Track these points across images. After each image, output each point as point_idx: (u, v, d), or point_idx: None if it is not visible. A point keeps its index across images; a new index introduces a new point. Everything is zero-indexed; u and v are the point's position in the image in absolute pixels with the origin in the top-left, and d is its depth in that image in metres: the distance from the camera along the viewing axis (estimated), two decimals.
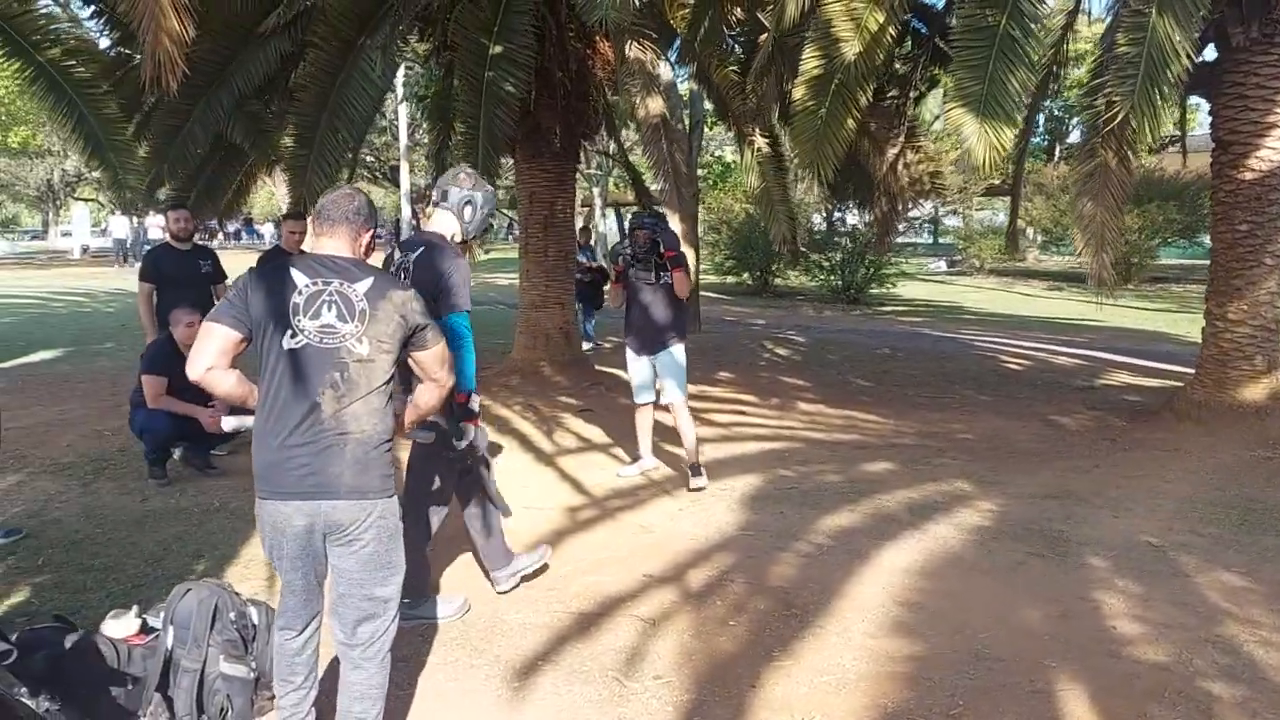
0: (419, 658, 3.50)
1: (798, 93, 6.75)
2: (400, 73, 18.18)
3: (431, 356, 2.74)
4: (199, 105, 8.33)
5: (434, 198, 3.76)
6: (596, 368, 9.93)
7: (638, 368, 6.03)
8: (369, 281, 2.62)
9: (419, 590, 3.75)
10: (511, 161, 9.51)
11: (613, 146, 14.40)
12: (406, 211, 26.17)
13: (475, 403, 3.62)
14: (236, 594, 3.19)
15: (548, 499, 5.57)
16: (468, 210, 3.73)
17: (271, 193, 30.96)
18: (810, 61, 6.65)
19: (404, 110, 24.71)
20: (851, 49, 6.17)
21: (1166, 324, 15.53)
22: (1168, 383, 9.19)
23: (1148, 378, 9.98)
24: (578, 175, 12.90)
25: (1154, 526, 5.00)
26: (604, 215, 28.66)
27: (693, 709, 3.16)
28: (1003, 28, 5.82)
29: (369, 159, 30.18)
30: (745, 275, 22.03)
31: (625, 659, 3.52)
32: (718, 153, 34.29)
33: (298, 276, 2.58)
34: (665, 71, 11.19)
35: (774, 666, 3.46)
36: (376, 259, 2.96)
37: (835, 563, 4.49)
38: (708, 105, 14.14)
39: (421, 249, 3.58)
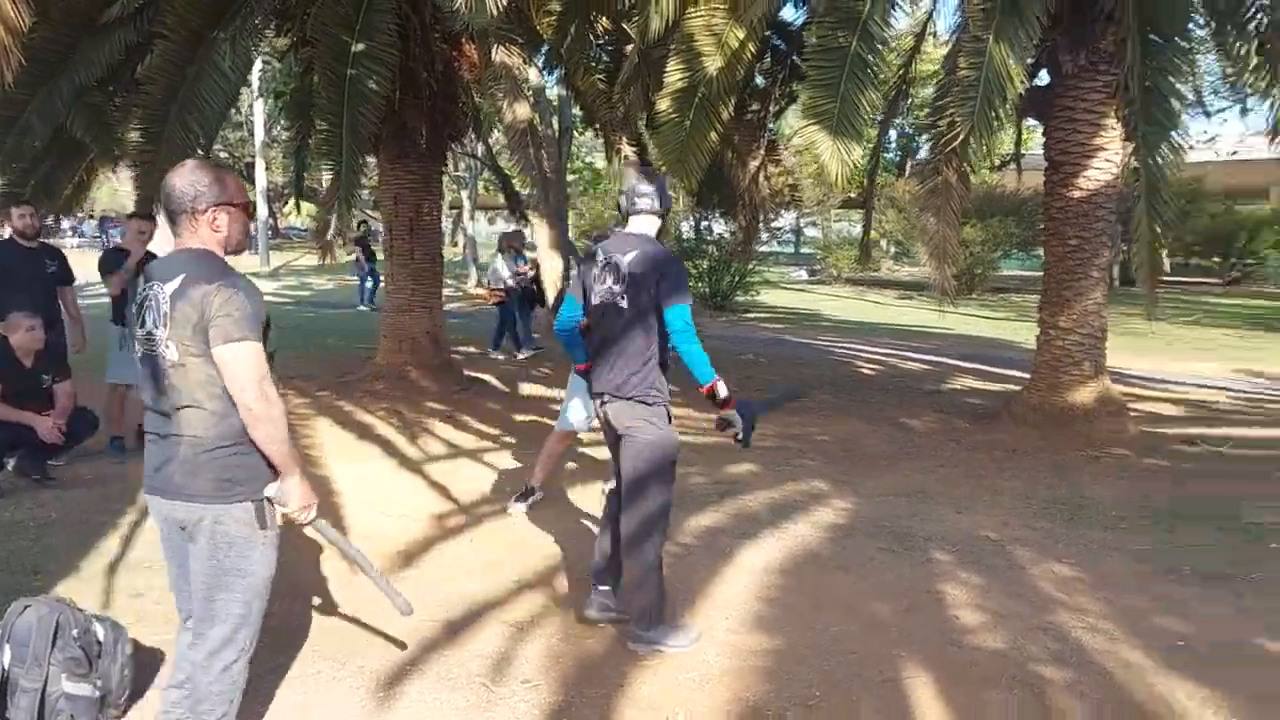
0: (280, 671, 3.40)
1: (662, 104, 6.90)
2: (257, 67, 17.53)
3: (227, 371, 2.42)
4: (38, 96, 7.86)
5: (623, 205, 3.82)
6: (466, 373, 9.83)
7: (577, 383, 5.41)
8: (177, 281, 2.47)
9: (654, 616, 3.65)
10: (375, 162, 9.34)
11: (480, 149, 14.30)
12: (263, 210, 25.20)
13: (722, 388, 3.67)
14: (80, 610, 3.04)
15: (414, 506, 5.50)
16: (666, 197, 3.86)
17: (115, 189, 29.34)
18: (674, 74, 6.81)
19: (260, 106, 23.83)
20: (713, 63, 6.35)
21: (1007, 331, 16.46)
22: (1007, 386, 9.77)
23: (989, 382, 10.59)
24: (445, 178, 12.74)
25: (993, 522, 5.33)
26: (473, 219, 28.33)
27: (560, 711, 3.20)
28: (853, 49, 6.10)
29: (223, 155, 28.96)
30: None
31: (492, 664, 3.52)
32: (588, 159, 34.44)
33: (141, 280, 2.54)
34: (534, 76, 11.21)
35: (640, 666, 3.53)
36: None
37: (700, 562, 4.61)
38: (576, 111, 14.22)
39: (635, 251, 3.67)
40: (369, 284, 19.14)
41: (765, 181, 9.41)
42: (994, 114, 5.66)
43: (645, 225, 3.78)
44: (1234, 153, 22.63)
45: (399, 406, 8.27)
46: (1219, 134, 23.13)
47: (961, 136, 5.68)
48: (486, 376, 10.15)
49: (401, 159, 9.06)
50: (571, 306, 3.86)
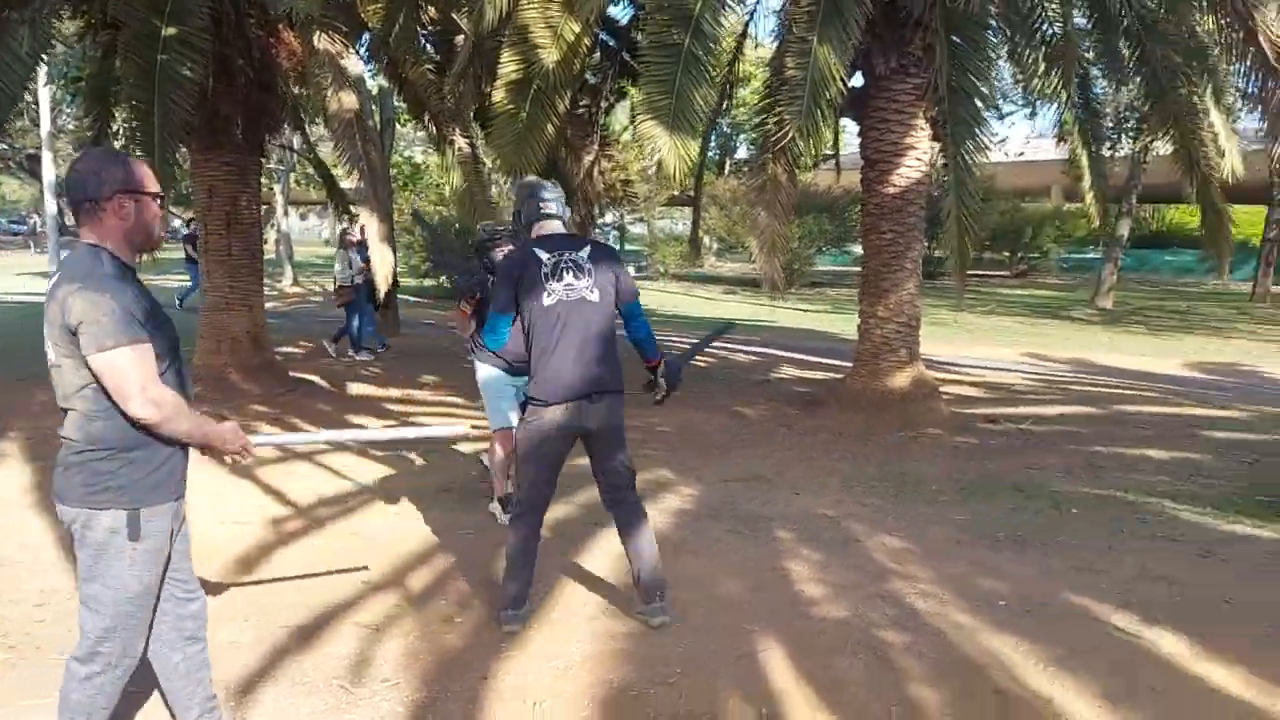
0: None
1: (498, 96, 6.85)
2: None
3: (105, 383, 2.30)
4: None
5: (527, 212, 3.79)
6: (291, 373, 9.44)
7: (504, 388, 5.12)
8: (55, 278, 2.37)
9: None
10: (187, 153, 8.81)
11: (297, 141, 13.71)
12: (51, 206, 23.20)
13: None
14: None
15: (249, 512, 5.24)
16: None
17: None
18: (509, 66, 6.78)
19: (46, 93, 21.91)
20: (550, 56, 6.36)
21: (825, 323, 17.29)
22: (830, 375, 10.26)
23: (813, 371, 11.09)
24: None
25: (827, 501, 5.60)
26: (285, 214, 27.08)
27: (425, 706, 3.15)
28: (686, 47, 6.26)
29: (1, 146, 26.48)
30: (443, 278, 21.78)
31: (349, 666, 3.43)
32: (407, 153, 33.60)
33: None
34: (354, 65, 10.85)
35: (503, 657, 3.52)
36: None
37: (554, 553, 4.63)
38: (399, 103, 13.86)
39: (585, 247, 3.72)
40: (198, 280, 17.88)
41: (600, 176, 9.50)
42: (820, 112, 5.94)
43: (561, 227, 3.81)
44: (1021, 154, 24.58)
45: (221, 410, 7.81)
46: (1008, 136, 25.08)
47: (790, 134, 5.93)
48: (312, 377, 9.78)
49: (215, 150, 8.58)
50: (508, 324, 3.70)
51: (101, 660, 2.46)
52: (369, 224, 7.26)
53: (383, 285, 7.49)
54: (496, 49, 7.04)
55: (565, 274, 3.62)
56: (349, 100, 7.43)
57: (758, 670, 3.46)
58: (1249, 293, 22.52)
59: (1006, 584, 4.30)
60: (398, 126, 19.03)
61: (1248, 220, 28.20)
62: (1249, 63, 7.28)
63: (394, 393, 9.22)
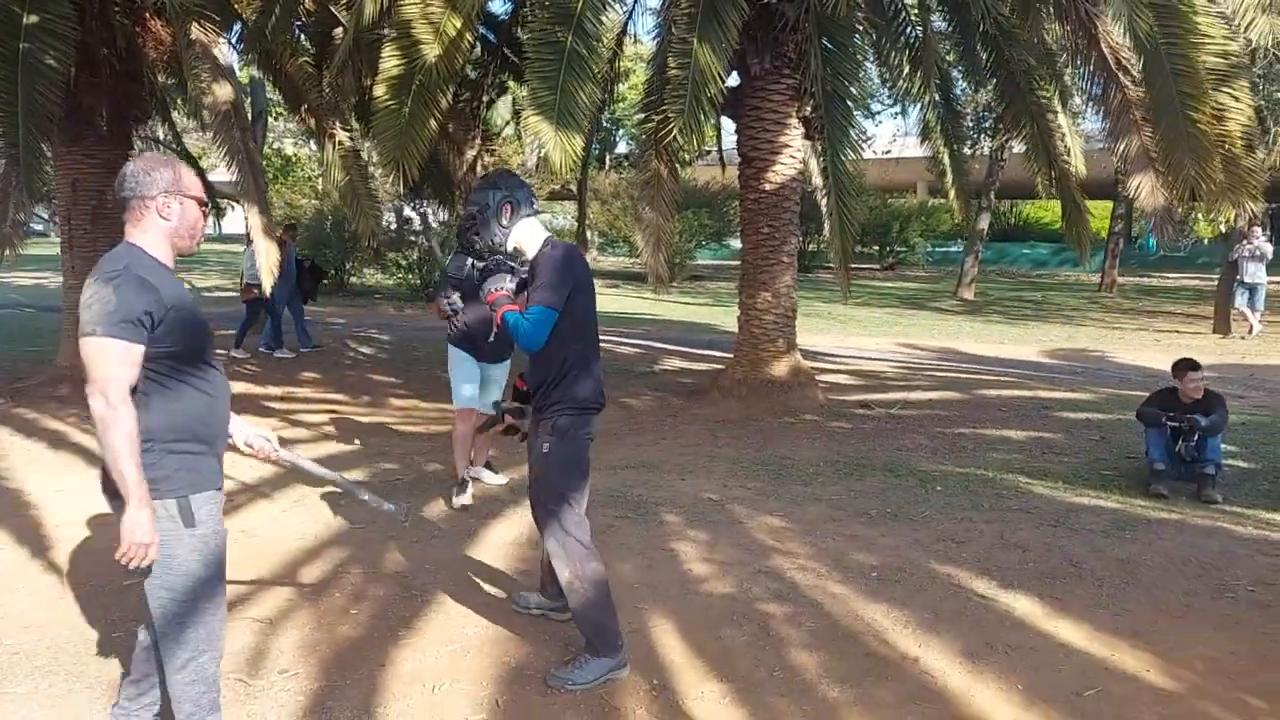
0: (8, 697, 3.12)
1: (379, 90, 6.82)
2: None
3: (84, 359, 2.34)
4: None
5: (513, 207, 3.39)
6: None
7: (471, 370, 5.37)
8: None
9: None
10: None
11: (162, 133, 13.21)
12: None
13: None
14: None
15: None
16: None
17: None
18: (391, 61, 6.75)
19: None
20: (432, 51, 6.38)
21: (705, 316, 17.65)
22: (712, 365, 10.55)
23: (696, 362, 11.38)
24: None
25: (712, 485, 5.83)
26: None
27: (325, 694, 3.20)
28: (569, 45, 6.38)
29: None
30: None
31: (246, 660, 3.43)
32: (276, 145, 32.60)
33: None
34: (224, 56, 10.55)
35: (401, 644, 3.59)
36: None
37: (448, 544, 4.70)
38: (271, 95, 13.51)
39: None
40: None
41: (482, 170, 9.52)
42: (701, 111, 6.15)
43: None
44: (888, 152, 25.56)
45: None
46: (875, 135, 26.05)
47: (673, 132, 6.12)
48: None
49: (79, 142, 8.24)
50: (555, 320, 3.30)
51: (189, 648, 2.51)
52: (250, 217, 7.11)
53: (267, 280, 7.35)
54: (377, 43, 7.00)
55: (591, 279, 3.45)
56: (224, 92, 7.26)
57: (650, 645, 3.62)
58: (1097, 283, 24.03)
59: (878, 556, 4.59)
60: (269, 119, 18.48)
61: (1095, 214, 30.10)
62: (1092, 67, 7.85)
63: (273, 390, 9.04)
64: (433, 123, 6.88)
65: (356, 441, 6.96)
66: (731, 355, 8.89)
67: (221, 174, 16.71)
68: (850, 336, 14.54)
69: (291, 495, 5.49)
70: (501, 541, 4.74)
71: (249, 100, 14.56)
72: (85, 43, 7.45)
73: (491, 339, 5.29)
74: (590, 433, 3.43)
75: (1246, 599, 4.05)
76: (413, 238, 20.46)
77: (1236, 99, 6.73)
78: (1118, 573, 4.36)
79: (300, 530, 4.89)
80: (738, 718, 3.11)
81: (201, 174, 12.03)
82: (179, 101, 11.49)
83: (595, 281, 3.64)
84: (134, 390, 2.36)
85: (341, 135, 7.73)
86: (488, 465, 5.87)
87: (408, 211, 20.75)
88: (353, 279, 21.68)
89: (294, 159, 34.20)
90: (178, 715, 2.56)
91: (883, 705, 3.17)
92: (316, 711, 3.10)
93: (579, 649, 3.38)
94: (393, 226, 20.46)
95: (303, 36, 9.48)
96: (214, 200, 12.24)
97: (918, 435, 7.37)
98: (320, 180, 33.10)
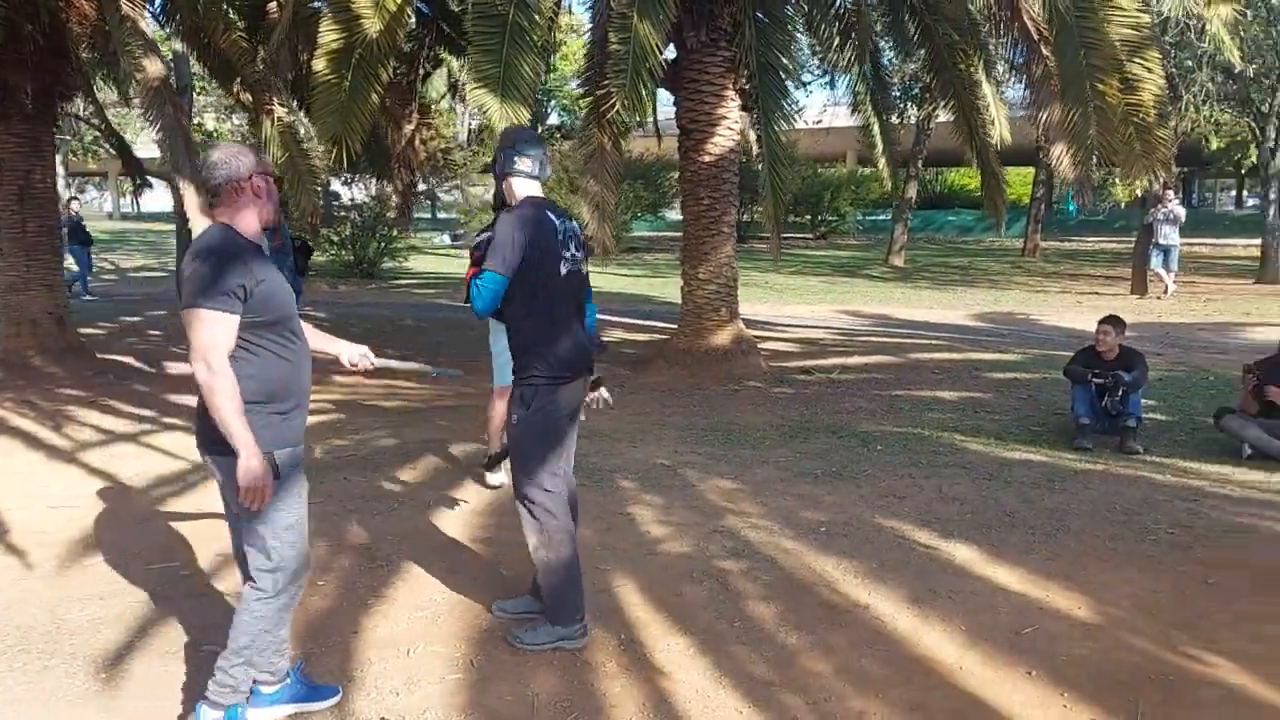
0: None
1: (319, 65, 6.76)
2: None
3: (186, 329, 2.62)
4: None
5: (529, 168, 3.36)
6: (99, 355, 8.97)
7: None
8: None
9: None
10: None
11: (86, 109, 12.80)
12: None
13: None
14: None
15: (79, 496, 5.09)
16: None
17: None
18: (330, 35, 6.70)
19: None
20: (373, 26, 6.34)
21: (645, 287, 17.80)
22: (655, 335, 10.71)
23: (640, 333, 11.51)
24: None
25: (664, 451, 5.99)
26: (69, 186, 25.04)
27: (301, 661, 3.27)
28: (511, 17, 6.41)
29: None
30: None
31: (218, 631, 3.47)
32: (198, 120, 31.72)
33: None
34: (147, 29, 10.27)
35: (372, 611, 3.68)
36: None
37: (408, 515, 4.78)
38: (197, 68, 13.17)
39: (569, 218, 3.49)
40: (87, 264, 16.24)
41: (421, 145, 9.47)
42: (642, 84, 6.25)
43: (541, 191, 3.47)
44: (819, 122, 25.88)
45: (29, 395, 7.43)
46: (806, 105, 26.38)
47: (616, 105, 6.20)
48: (124, 358, 9.35)
49: (4, 120, 8.01)
50: (504, 286, 3.25)
51: (271, 587, 2.78)
52: (186, 196, 7.01)
53: None
54: (314, 17, 6.93)
55: (570, 243, 3.38)
56: (155, 68, 7.13)
57: (615, 603, 3.77)
58: (1021, 248, 24.76)
59: (825, 513, 4.80)
60: (194, 94, 18.01)
61: (1019, 181, 30.93)
62: (1015, 37, 8.12)
63: None
64: (374, 97, 6.86)
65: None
66: (675, 325, 9.04)
67: (144, 150, 16.25)
68: (787, 305, 14.83)
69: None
70: (462, 511, 4.84)
71: (173, 75, 14.18)
72: (8, 19, 7.24)
73: None
74: (557, 403, 3.34)
75: (1166, 541, 4.35)
76: (343, 213, 20.20)
77: (1148, 70, 7.04)
78: (1048, 521, 4.63)
79: None
80: (703, 666, 3.27)
81: (127, 150, 11.75)
82: (101, 78, 11.17)
83: None
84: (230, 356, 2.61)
85: (280, 111, 7.64)
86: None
87: (336, 186, 20.47)
88: None
89: (216, 134, 33.32)
90: (230, 644, 2.80)
91: (838, 649, 3.37)
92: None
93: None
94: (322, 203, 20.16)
95: (230, 10, 9.29)
96: (140, 177, 11.95)
97: (857, 398, 7.62)
98: None
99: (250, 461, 2.58)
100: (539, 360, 3.31)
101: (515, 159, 3.34)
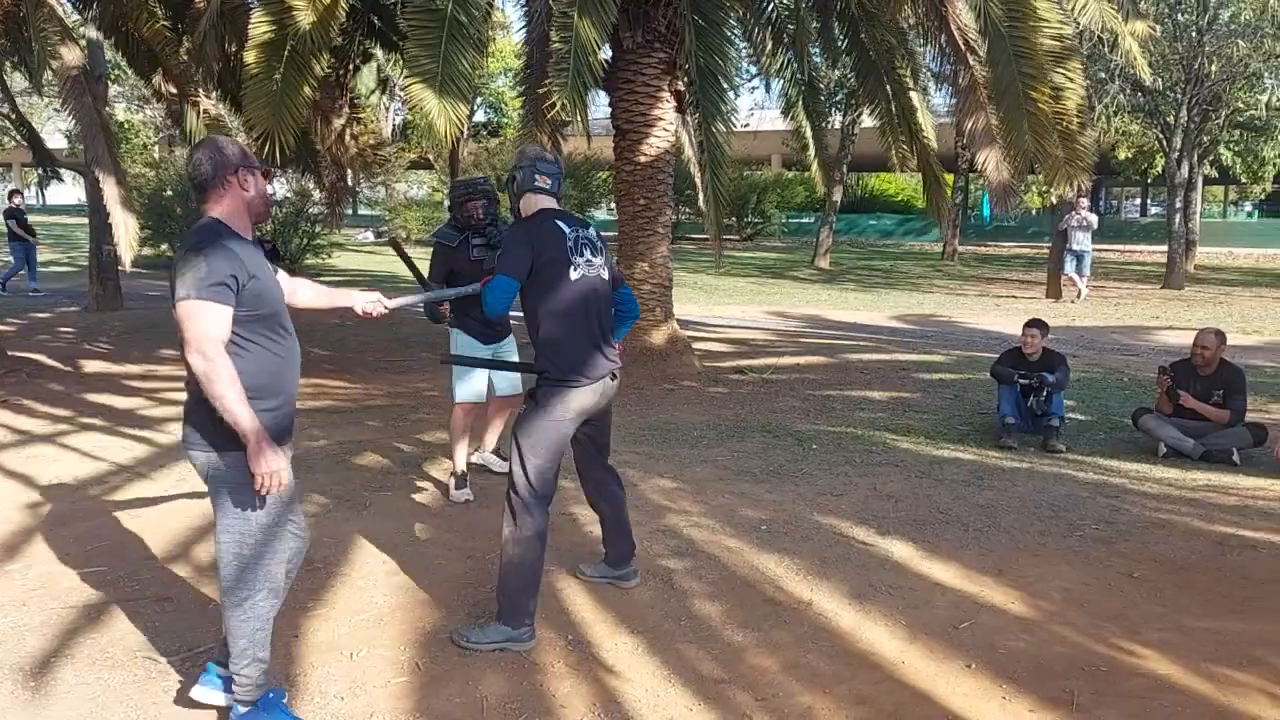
0: None
1: (249, 57, 6.59)
2: None
3: (178, 322, 2.60)
4: None
5: (543, 184, 3.58)
6: (11, 353, 8.60)
7: (479, 359, 5.06)
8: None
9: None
10: None
11: None
12: None
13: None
14: None
15: None
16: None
17: None
18: (261, 26, 6.54)
19: None
20: (306, 18, 6.22)
21: None
22: None
23: None
24: None
25: None
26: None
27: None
28: (450, 12, 6.33)
29: None
30: (165, 246, 20.20)
31: (152, 638, 3.39)
32: (108, 110, 30.62)
33: None
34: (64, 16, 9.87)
35: (312, 616, 3.60)
36: None
37: (343, 517, 4.69)
38: (113, 57, 12.73)
39: (590, 226, 3.69)
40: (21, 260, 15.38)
41: (351, 140, 9.30)
42: (583, 84, 6.23)
43: (556, 205, 3.66)
44: (747, 125, 26.13)
45: None
46: (735, 108, 26.60)
47: (558, 105, 6.18)
48: (37, 356, 8.98)
49: None
50: (515, 291, 3.46)
51: (248, 587, 2.75)
52: (106, 188, 6.76)
53: (127, 254, 7.01)
54: (242, 8, 6.76)
55: (584, 250, 3.52)
56: (73, 55, 6.87)
57: (562, 604, 3.76)
58: (940, 252, 25.38)
59: (765, 511, 4.86)
60: (110, 84, 17.37)
61: None
62: (942, 46, 8.32)
63: (133, 369, 8.65)
64: (306, 90, 6.71)
65: None
66: None
67: (49, 140, 15.59)
68: (718, 305, 14.95)
69: (173, 474, 5.34)
70: (398, 512, 4.77)
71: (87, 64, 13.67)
72: None
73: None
74: (567, 408, 3.45)
75: (1092, 535, 4.51)
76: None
77: (1071, 79, 7.30)
78: (980, 517, 4.77)
79: (186, 509, 4.77)
80: (652, 665, 3.29)
81: (38, 140, 11.31)
82: (11, 64, 10.70)
83: None
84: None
85: (206, 103, 7.42)
86: (496, 452, 5.52)
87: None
88: None
89: (127, 125, 32.20)
90: (232, 649, 2.79)
91: (783, 646, 3.42)
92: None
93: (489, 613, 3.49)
94: None
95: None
96: (51, 168, 11.52)
97: (790, 398, 7.73)
98: (156, 148, 31.35)
99: (260, 445, 2.56)
100: (551, 363, 3.46)
101: (536, 177, 3.56)
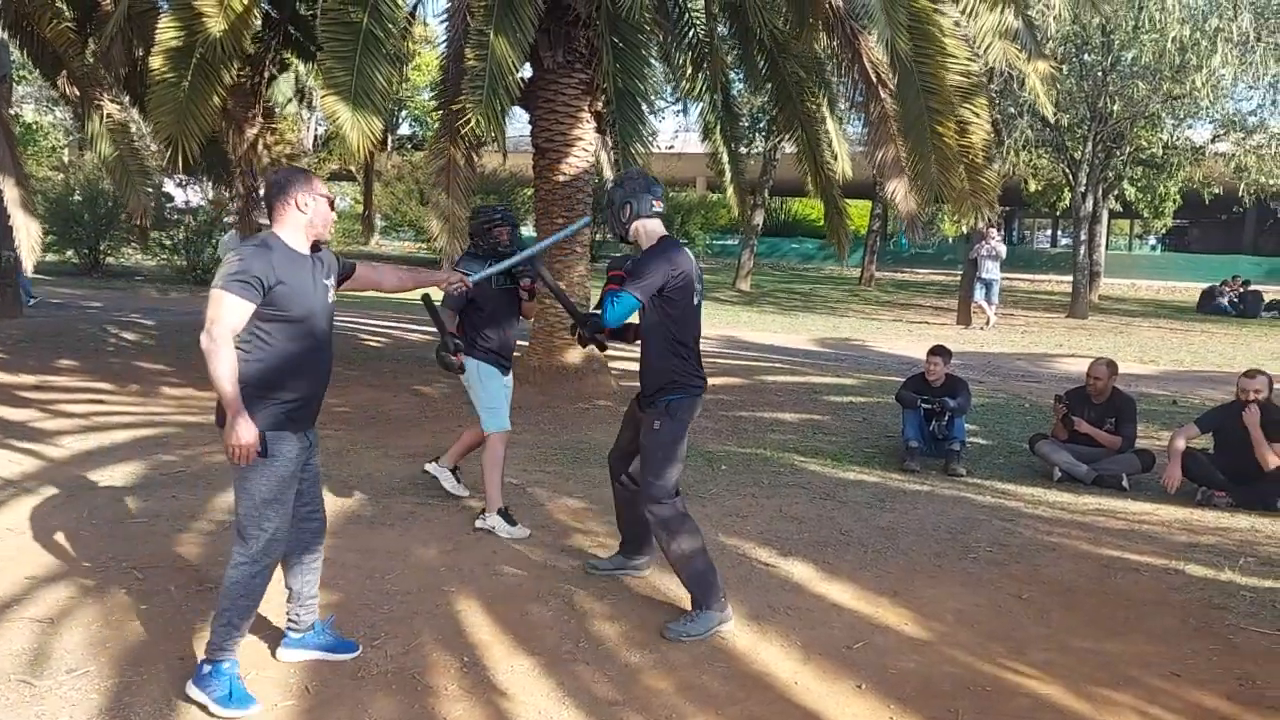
0: None
1: (155, 62, 6.44)
2: None
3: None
4: None
5: (644, 208, 3.83)
6: None
7: (501, 388, 5.00)
8: None
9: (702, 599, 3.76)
10: None
11: None
12: None
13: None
14: None
15: None
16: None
17: None
18: (168, 32, 6.40)
19: None
20: (217, 25, 6.10)
21: None
22: None
23: None
24: None
25: (512, 470, 5.90)
26: None
27: (120, 691, 3.09)
28: (365, 26, 6.28)
29: None
30: (70, 253, 19.50)
31: (28, 661, 3.26)
32: (14, 111, 29.49)
33: None
34: None
35: (199, 638, 3.47)
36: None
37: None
38: (19, 58, 12.26)
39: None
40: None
41: (265, 149, 9.12)
42: (498, 101, 6.23)
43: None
44: (671, 147, 26.38)
45: None
46: (659, 130, 26.82)
47: (472, 121, 6.16)
48: None
49: None
50: (636, 309, 3.76)
51: (246, 556, 3.08)
52: (6, 190, 6.51)
53: (29, 258, 6.74)
54: (150, 12, 6.59)
55: (699, 279, 3.84)
56: None
57: (459, 626, 3.72)
58: (858, 277, 25.93)
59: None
60: (15, 84, 16.73)
61: (857, 213, 32.31)
62: (856, 78, 8.54)
63: (28, 379, 8.31)
64: (215, 99, 6.57)
65: (129, 433, 6.55)
66: (526, 343, 9.00)
67: None
68: None
69: (61, 489, 5.14)
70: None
71: None
72: None
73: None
74: (694, 412, 3.86)
75: (986, 558, 4.64)
76: (176, 216, 19.18)
77: (977, 115, 7.56)
78: (880, 539, 4.87)
79: (71, 528, 4.60)
80: (546, 687, 3.27)
81: None
82: None
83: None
84: (241, 340, 3.00)
85: (110, 107, 7.20)
86: (454, 471, 5.37)
87: (170, 188, 19.45)
88: (109, 259, 20.05)
89: (35, 126, 31.04)
90: (219, 604, 3.09)
91: (680, 667, 3.44)
92: (113, 709, 3.00)
93: (685, 608, 3.79)
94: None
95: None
96: None
97: (703, 419, 7.76)
98: (66, 151, 30.27)
99: (235, 419, 2.92)
100: (680, 376, 3.78)
101: (652, 202, 3.81)
